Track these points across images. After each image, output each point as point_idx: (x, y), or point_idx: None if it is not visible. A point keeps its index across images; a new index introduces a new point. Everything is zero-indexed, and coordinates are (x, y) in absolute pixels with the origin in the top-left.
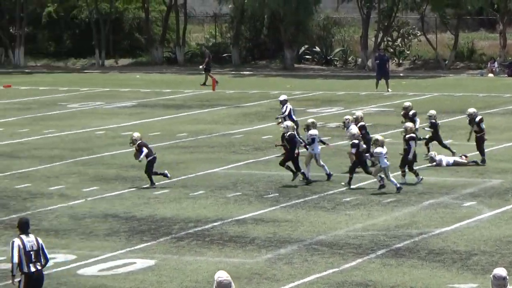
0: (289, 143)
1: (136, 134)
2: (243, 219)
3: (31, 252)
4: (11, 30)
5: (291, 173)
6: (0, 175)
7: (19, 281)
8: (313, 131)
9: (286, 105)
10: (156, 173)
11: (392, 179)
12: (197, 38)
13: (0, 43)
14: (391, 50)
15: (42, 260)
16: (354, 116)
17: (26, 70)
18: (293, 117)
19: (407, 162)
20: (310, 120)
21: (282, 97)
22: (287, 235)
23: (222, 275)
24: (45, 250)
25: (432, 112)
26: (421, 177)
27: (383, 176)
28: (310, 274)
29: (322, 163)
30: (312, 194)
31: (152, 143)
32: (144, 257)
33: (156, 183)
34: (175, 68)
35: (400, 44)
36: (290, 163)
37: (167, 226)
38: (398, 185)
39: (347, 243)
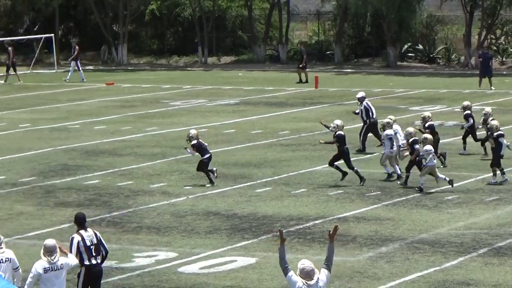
0: (339, 142)
1: (193, 132)
2: (344, 217)
3: (91, 246)
4: (114, 28)
5: (396, 173)
6: (103, 173)
7: (79, 273)
8: (389, 131)
9: (364, 102)
10: (211, 171)
11: (441, 175)
12: (300, 36)
13: (104, 41)
14: (495, 48)
15: (103, 252)
16: (422, 116)
17: (129, 68)
18: (371, 115)
19: (499, 160)
20: (386, 120)
21: (360, 94)
22: (389, 234)
23: (305, 263)
24: (104, 243)
25: (488, 109)
26: (506, 176)
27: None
28: (411, 272)
29: (393, 163)
30: (414, 193)
31: (254, 141)
32: (245, 255)
33: (258, 181)
34: (278, 66)
35: (503, 42)
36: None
37: (268, 224)
38: (448, 179)
39: (448, 241)
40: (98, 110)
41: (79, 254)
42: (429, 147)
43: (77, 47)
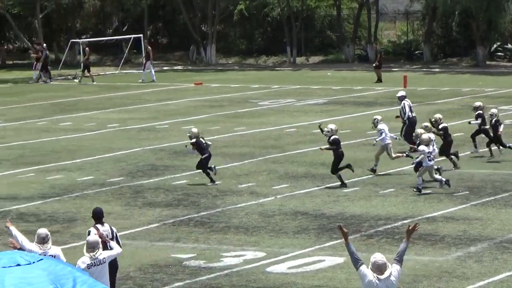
0: (336, 146)
1: (194, 130)
2: (433, 217)
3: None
4: (203, 28)
5: (483, 171)
6: (191, 173)
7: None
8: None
9: (404, 101)
10: (210, 168)
11: (437, 176)
12: (389, 36)
13: (192, 41)
14: None
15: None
16: (433, 120)
17: (218, 68)
18: (411, 113)
19: None
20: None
21: (400, 93)
22: (477, 233)
23: (377, 256)
24: (119, 238)
25: (494, 110)
26: None
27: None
28: (500, 272)
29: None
30: (502, 192)
31: (342, 140)
32: (333, 254)
33: (346, 181)
34: (366, 66)
35: None
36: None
37: (356, 224)
38: (444, 180)
39: None
40: (187, 110)
41: None
42: (422, 147)
43: (149, 47)
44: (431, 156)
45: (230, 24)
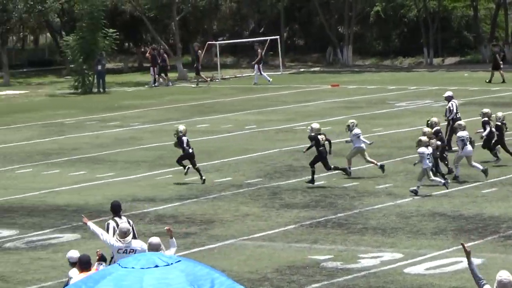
0: (312, 143)
1: (181, 127)
2: None
3: None
4: (339, 29)
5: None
6: (328, 174)
7: (112, 258)
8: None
9: (452, 101)
10: (182, 164)
11: (434, 178)
12: None
13: (329, 42)
14: None
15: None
16: (429, 122)
17: (354, 69)
18: (456, 114)
19: None
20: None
21: (447, 94)
22: None
23: (503, 274)
24: (135, 233)
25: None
26: None
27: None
28: None
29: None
30: None
31: (481, 141)
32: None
33: (484, 182)
34: (504, 66)
35: None
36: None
37: (494, 225)
38: (443, 182)
39: None
40: (324, 111)
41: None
42: (422, 149)
43: (259, 50)
44: (430, 157)
45: (366, 25)
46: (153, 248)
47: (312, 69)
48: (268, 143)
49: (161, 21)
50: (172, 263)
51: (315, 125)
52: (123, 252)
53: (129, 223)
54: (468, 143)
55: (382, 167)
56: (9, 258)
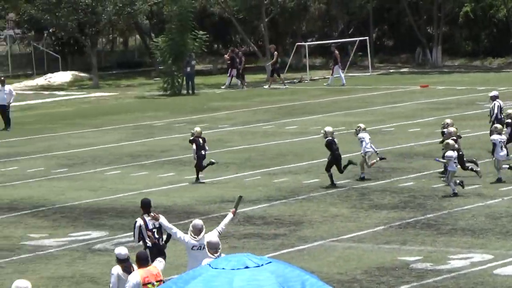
0: (328, 149)
1: (197, 129)
2: None
3: (154, 229)
4: (428, 30)
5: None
6: (417, 175)
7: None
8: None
9: (495, 101)
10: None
11: (451, 184)
12: None
13: (418, 43)
14: None
15: (164, 235)
16: (442, 123)
17: (444, 70)
18: (500, 114)
19: None
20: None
21: (493, 93)
22: None
23: None
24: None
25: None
26: None
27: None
28: None
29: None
30: None
31: None
32: None
33: None
34: None
35: None
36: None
37: None
38: (455, 191)
39: None
40: (413, 112)
41: (141, 236)
42: (449, 153)
43: (336, 52)
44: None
45: (455, 25)
46: (213, 247)
47: (401, 70)
48: (356, 145)
49: (250, 23)
50: (262, 265)
51: (328, 129)
52: (197, 249)
53: None
54: (502, 147)
55: (362, 178)
56: (99, 260)
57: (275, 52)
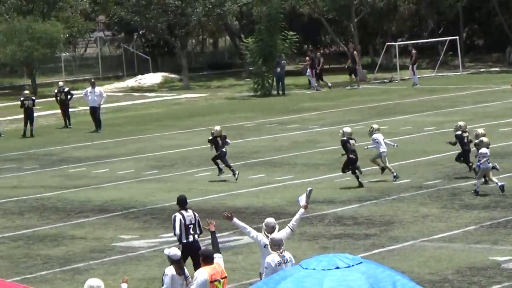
0: (343, 148)
1: (217, 128)
2: None
3: (190, 226)
4: None
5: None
6: (509, 175)
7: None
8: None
9: None
10: (217, 164)
11: (494, 179)
12: None
13: (508, 42)
14: None
15: (198, 231)
16: (455, 125)
17: None
18: None
19: None
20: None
21: None
22: None
23: None
24: (200, 223)
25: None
26: None
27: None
28: None
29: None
30: None
31: None
32: None
33: None
34: None
35: None
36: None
37: None
38: (500, 184)
39: None
40: (503, 111)
41: (180, 231)
42: (485, 150)
43: (414, 51)
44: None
45: None
46: (276, 243)
47: (491, 69)
48: (447, 145)
49: (340, 23)
50: (353, 265)
51: (347, 129)
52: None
53: (194, 216)
54: None
55: (396, 177)
56: (189, 261)
57: (354, 52)
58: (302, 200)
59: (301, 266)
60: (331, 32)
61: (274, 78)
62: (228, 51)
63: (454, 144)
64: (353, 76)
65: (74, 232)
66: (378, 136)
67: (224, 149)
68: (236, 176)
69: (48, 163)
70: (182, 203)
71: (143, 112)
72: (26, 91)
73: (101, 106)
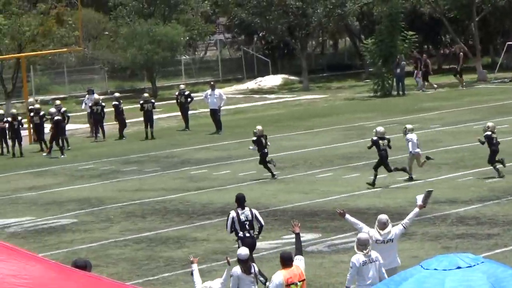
0: (376, 147)
1: (258, 128)
2: None
3: (246, 222)
4: None
5: None
6: None
7: (238, 245)
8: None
9: None
10: (266, 166)
11: None
12: None
13: None
14: None
15: (257, 226)
16: (485, 126)
17: None
18: None
19: None
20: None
21: None
22: None
23: None
24: (260, 219)
25: None
26: None
27: None
28: None
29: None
30: None
31: None
32: None
33: None
34: None
35: None
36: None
37: None
38: None
39: None
40: None
41: (234, 228)
42: None
43: None
44: None
45: None
46: (362, 243)
47: None
48: None
49: (461, 22)
50: (474, 265)
51: (380, 129)
52: (381, 243)
53: (251, 213)
54: None
55: (411, 178)
56: (311, 262)
57: (461, 54)
58: (420, 199)
59: (421, 266)
60: (452, 32)
61: (394, 79)
62: (348, 52)
63: (483, 143)
64: (457, 76)
65: (196, 234)
66: (413, 137)
67: (266, 150)
68: (274, 169)
69: (169, 165)
70: (240, 201)
71: (263, 113)
72: (146, 94)
73: (221, 108)
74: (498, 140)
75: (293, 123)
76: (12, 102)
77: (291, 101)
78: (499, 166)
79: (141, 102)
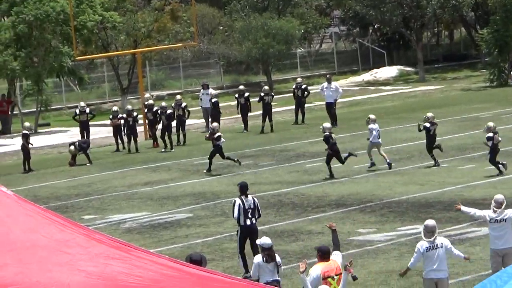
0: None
1: (326, 125)
2: None
3: (249, 210)
4: None
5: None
6: None
7: (237, 231)
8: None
9: None
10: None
11: None
12: None
13: None
14: None
15: (257, 215)
16: (486, 126)
17: None
18: None
19: None
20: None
21: None
22: None
23: None
24: (259, 208)
25: None
26: None
27: None
28: None
29: None
30: None
31: None
32: None
33: None
34: None
35: None
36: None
37: None
38: None
39: None
40: None
41: (238, 215)
42: None
43: None
44: None
45: None
46: (429, 230)
47: None
48: None
49: None
50: None
51: (326, 125)
52: (494, 222)
53: (254, 202)
54: None
55: (389, 164)
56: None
57: None
58: None
59: None
60: None
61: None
62: (464, 42)
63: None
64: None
65: (311, 227)
66: (374, 127)
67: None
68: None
69: (284, 159)
70: (243, 190)
71: (378, 105)
72: (266, 87)
73: (337, 101)
74: None
75: (407, 115)
76: (128, 98)
77: (406, 93)
78: None
79: (262, 94)
